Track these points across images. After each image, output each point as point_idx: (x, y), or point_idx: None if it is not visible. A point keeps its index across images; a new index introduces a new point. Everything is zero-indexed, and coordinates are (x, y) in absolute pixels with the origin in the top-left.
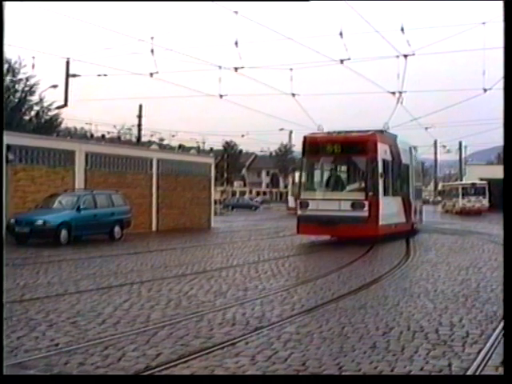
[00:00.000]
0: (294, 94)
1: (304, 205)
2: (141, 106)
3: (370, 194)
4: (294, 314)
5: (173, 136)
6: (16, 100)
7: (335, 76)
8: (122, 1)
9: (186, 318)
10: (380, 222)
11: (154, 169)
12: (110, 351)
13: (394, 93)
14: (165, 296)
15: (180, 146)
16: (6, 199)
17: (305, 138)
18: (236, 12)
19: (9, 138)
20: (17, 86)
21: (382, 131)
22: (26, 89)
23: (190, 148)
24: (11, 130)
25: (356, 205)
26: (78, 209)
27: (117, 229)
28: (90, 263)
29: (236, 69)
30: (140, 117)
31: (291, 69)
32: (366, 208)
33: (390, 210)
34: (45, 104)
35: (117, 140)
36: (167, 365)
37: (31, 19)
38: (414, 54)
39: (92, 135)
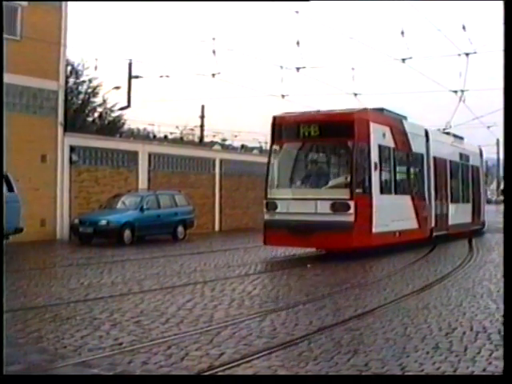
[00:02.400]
0: (355, 94)
1: (271, 206)
2: (203, 107)
3: (358, 191)
4: (358, 314)
5: (235, 136)
6: (79, 102)
7: (397, 75)
8: (184, 1)
9: (249, 318)
10: (373, 229)
11: (217, 169)
12: (173, 350)
13: (455, 91)
14: (228, 296)
15: (242, 146)
16: (69, 200)
17: (274, 118)
18: (297, 12)
19: (73, 140)
20: (80, 87)
21: (381, 109)
22: (89, 90)
23: (253, 148)
24: (75, 131)
25: (338, 206)
26: (142, 209)
27: (180, 229)
28: (153, 263)
29: (298, 69)
30: (202, 117)
31: (353, 68)
32: (352, 210)
33: (389, 212)
34: (108, 105)
35: (179, 140)
36: (230, 364)
37: (93, 21)
38: (475, 53)
39: (155, 136)
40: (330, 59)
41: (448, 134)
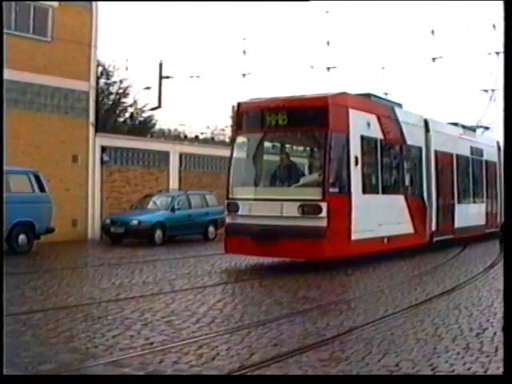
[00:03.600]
0: (386, 93)
1: (232, 208)
2: (233, 107)
3: (333, 190)
4: (388, 314)
5: None
6: (110, 102)
7: (428, 74)
8: (215, 1)
9: (280, 318)
10: (353, 236)
11: None
12: (204, 350)
13: (486, 90)
14: (259, 295)
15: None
16: (101, 200)
17: (238, 105)
18: (327, 12)
19: (104, 140)
20: (111, 88)
21: (367, 95)
22: (120, 91)
23: None
24: (106, 131)
25: (307, 208)
26: (173, 209)
27: (211, 229)
28: (184, 263)
29: (328, 68)
30: (233, 117)
31: (383, 67)
32: (324, 213)
33: (375, 215)
34: (139, 106)
35: (210, 141)
36: (260, 365)
37: (124, 22)
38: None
39: (185, 136)
40: (359, 59)
41: (456, 125)
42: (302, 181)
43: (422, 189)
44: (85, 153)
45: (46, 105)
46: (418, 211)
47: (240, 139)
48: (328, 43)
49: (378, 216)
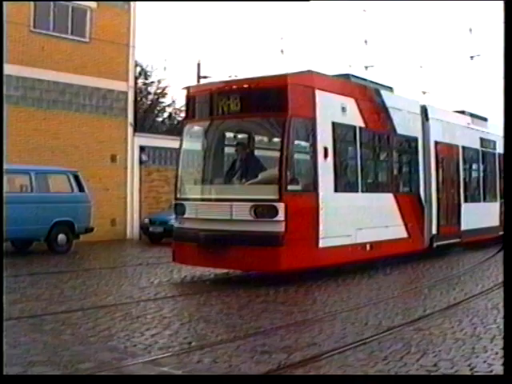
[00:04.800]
0: (424, 92)
1: (179, 210)
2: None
3: (293, 188)
4: (427, 314)
5: None
6: (149, 102)
7: (465, 73)
8: (252, 1)
9: (319, 318)
10: (321, 242)
11: None
12: (243, 349)
13: None
14: (299, 296)
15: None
16: (139, 199)
17: (187, 90)
18: (364, 10)
19: (142, 140)
20: (149, 88)
21: (345, 75)
22: (158, 91)
23: None
24: (144, 131)
25: (260, 210)
26: None
27: None
28: None
29: (366, 67)
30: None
31: (421, 66)
32: (281, 216)
33: (352, 217)
34: (177, 106)
35: None
36: (299, 364)
37: (162, 22)
38: None
39: None
40: (397, 57)
41: (463, 113)
42: (257, 177)
43: (419, 186)
44: (123, 153)
45: (84, 105)
46: (412, 212)
47: (188, 129)
48: (366, 42)
49: (357, 218)
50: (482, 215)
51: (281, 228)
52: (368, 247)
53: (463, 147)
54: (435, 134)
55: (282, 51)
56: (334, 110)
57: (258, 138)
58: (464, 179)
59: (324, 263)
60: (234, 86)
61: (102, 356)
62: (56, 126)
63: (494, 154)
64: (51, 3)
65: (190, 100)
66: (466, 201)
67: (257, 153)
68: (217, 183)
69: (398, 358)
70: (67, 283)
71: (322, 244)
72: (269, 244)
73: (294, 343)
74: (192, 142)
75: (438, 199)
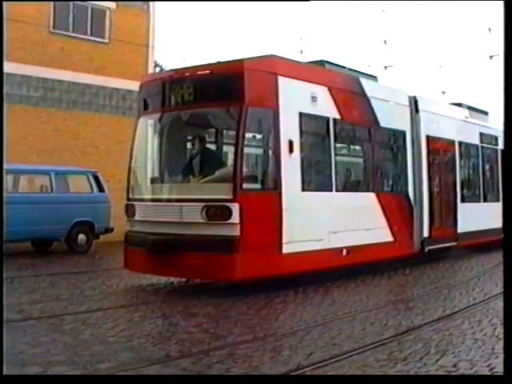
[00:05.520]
0: (443, 92)
1: (130, 212)
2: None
3: (250, 186)
4: (446, 314)
5: None
6: None
7: (485, 72)
8: (271, 1)
9: (339, 318)
10: (285, 248)
11: None
12: (262, 350)
13: None
14: (318, 296)
15: None
16: None
17: (141, 81)
18: (383, 10)
19: None
20: None
21: (319, 62)
22: None
23: None
24: None
25: (212, 212)
26: None
27: None
28: None
29: (385, 67)
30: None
31: (440, 66)
32: (235, 218)
33: (323, 220)
34: None
35: None
36: (319, 364)
37: (181, 23)
38: None
39: None
40: (416, 57)
41: (460, 105)
42: (211, 175)
43: (407, 184)
44: None
45: (104, 105)
46: (398, 213)
47: (142, 123)
48: (385, 42)
49: (331, 220)
50: (482, 216)
51: (235, 232)
52: (344, 252)
53: (460, 142)
54: (427, 128)
55: (301, 51)
56: (301, 100)
57: (214, 130)
58: (461, 177)
59: (289, 271)
60: (187, 74)
61: (122, 356)
62: (76, 127)
63: (496, 151)
64: (71, 4)
65: (143, 91)
66: (463, 201)
67: (214, 147)
68: (168, 182)
69: (417, 359)
70: (87, 283)
71: (286, 249)
72: (222, 250)
73: (313, 344)
74: (144, 137)
75: (430, 199)
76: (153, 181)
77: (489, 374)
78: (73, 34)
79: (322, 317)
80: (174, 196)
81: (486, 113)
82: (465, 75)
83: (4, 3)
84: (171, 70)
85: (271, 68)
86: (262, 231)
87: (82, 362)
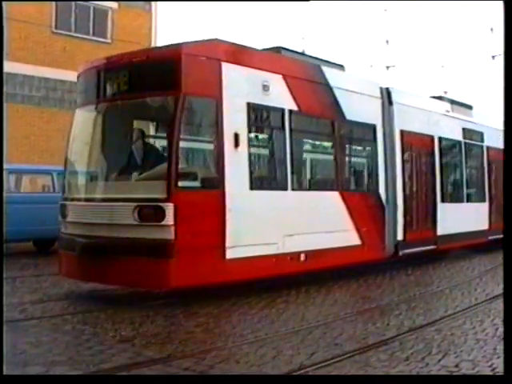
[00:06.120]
0: (445, 92)
1: (63, 213)
2: None
3: (186, 184)
4: (449, 314)
5: None
6: None
7: (487, 72)
8: (274, 1)
9: (341, 318)
10: (229, 253)
11: None
12: (264, 350)
13: None
14: (321, 296)
15: None
16: None
17: (79, 70)
18: (385, 10)
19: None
20: None
21: (276, 48)
22: None
23: None
24: None
25: (145, 213)
26: None
27: None
28: None
29: (387, 67)
30: None
31: (442, 66)
32: (170, 219)
33: (275, 221)
34: None
35: None
36: (321, 364)
37: (182, 22)
38: None
39: None
40: (419, 57)
41: (440, 98)
42: (145, 172)
43: (377, 183)
44: None
45: None
46: (367, 214)
47: (78, 116)
48: (387, 42)
49: (286, 222)
50: (465, 218)
51: (169, 235)
52: (302, 257)
53: (440, 138)
54: (401, 122)
55: (303, 51)
56: (250, 89)
57: (154, 123)
58: (441, 176)
59: (235, 278)
60: (122, 61)
61: (122, 356)
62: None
63: (482, 147)
64: (73, 4)
65: (80, 81)
66: (443, 201)
67: (153, 142)
68: (101, 180)
69: (419, 359)
70: (88, 283)
71: (230, 255)
72: (154, 254)
73: (315, 343)
74: (80, 132)
75: (405, 199)
76: (86, 179)
77: (490, 374)
78: (75, 34)
79: (323, 317)
80: (105, 195)
81: (470, 107)
82: (467, 75)
83: (4, 3)
84: (108, 57)
85: (214, 53)
86: (200, 234)
87: (84, 362)
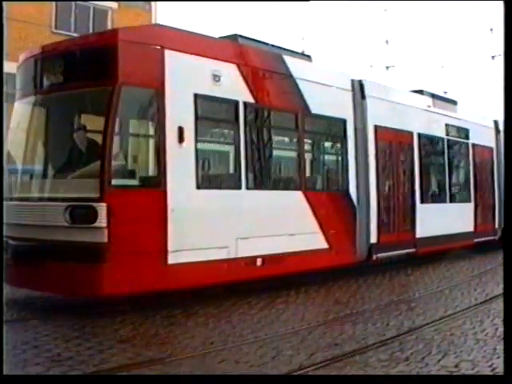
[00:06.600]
0: (445, 92)
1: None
2: None
3: (122, 182)
4: (448, 314)
5: None
6: None
7: (487, 72)
8: (273, 1)
9: (341, 318)
10: (171, 258)
11: None
12: (264, 350)
13: None
14: (320, 296)
15: None
16: None
17: (19, 61)
18: (385, 10)
19: None
20: None
21: (232, 36)
22: None
23: None
24: None
25: (76, 213)
26: None
27: None
28: None
29: (387, 67)
30: None
31: (442, 66)
32: (103, 220)
33: (226, 224)
34: None
35: None
36: (320, 364)
37: (183, 22)
38: None
39: None
40: (418, 57)
41: (421, 92)
42: (80, 169)
43: (347, 182)
44: None
45: None
46: (335, 215)
47: (16, 109)
48: (387, 42)
49: (239, 224)
50: (448, 219)
51: (102, 237)
52: (259, 262)
53: (420, 135)
54: (375, 117)
55: (303, 51)
56: (198, 78)
57: (89, 116)
58: (421, 175)
59: (178, 285)
60: (58, 50)
61: (123, 357)
62: None
63: (467, 145)
64: (73, 4)
65: (19, 72)
66: (423, 201)
67: (92, 137)
68: (36, 178)
69: (419, 359)
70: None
71: (173, 259)
72: (86, 259)
73: (315, 344)
74: (18, 126)
75: (379, 199)
76: (24, 177)
77: (490, 374)
78: (75, 34)
79: (323, 317)
80: (39, 194)
81: (454, 102)
82: (467, 75)
83: (4, 3)
84: (44, 46)
85: (156, 40)
86: (138, 237)
87: (85, 362)
